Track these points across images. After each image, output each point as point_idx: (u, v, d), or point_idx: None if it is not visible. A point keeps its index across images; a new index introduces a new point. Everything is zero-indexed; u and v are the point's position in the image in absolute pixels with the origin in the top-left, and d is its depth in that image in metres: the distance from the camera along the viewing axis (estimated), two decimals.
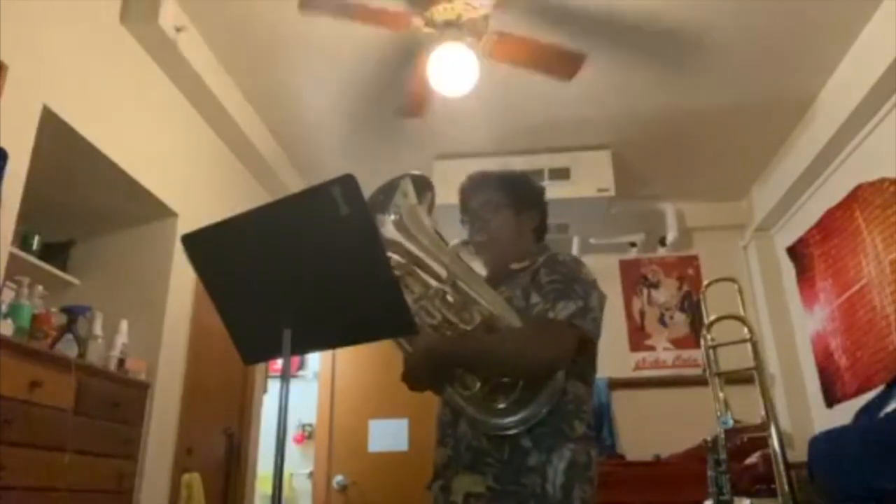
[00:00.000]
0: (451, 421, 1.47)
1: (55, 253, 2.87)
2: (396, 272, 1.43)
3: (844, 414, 3.32)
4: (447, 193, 1.79)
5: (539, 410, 1.36)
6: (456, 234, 1.66)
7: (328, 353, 4.81)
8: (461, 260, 1.52)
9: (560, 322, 1.39)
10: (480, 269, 1.64)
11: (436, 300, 1.44)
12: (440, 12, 2.71)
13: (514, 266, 1.58)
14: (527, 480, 1.35)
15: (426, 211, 1.52)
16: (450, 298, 1.45)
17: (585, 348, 1.45)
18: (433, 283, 1.46)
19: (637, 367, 4.49)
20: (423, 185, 1.52)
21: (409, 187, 1.49)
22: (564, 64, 2.88)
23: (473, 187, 1.68)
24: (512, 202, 1.63)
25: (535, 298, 1.45)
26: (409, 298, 1.42)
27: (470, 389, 1.41)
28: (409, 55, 3.04)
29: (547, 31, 2.89)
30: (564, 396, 1.42)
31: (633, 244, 4.75)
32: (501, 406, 1.38)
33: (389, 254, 1.42)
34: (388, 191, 1.47)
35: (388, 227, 1.46)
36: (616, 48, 3.08)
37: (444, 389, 1.44)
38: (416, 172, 1.51)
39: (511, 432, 1.37)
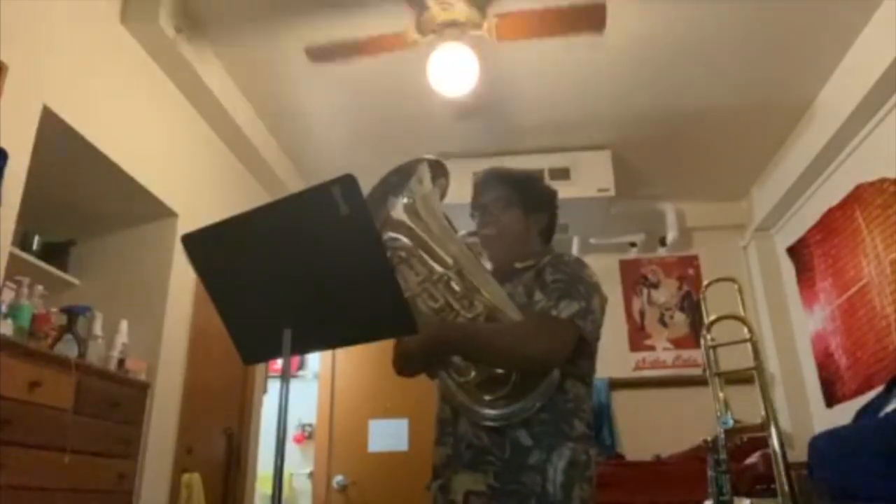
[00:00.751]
0: (451, 419, 1.47)
1: (55, 253, 2.87)
2: (402, 254, 1.44)
3: (844, 414, 3.32)
4: (448, 193, 1.78)
5: (532, 405, 1.36)
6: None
7: (328, 353, 4.81)
8: (469, 250, 1.52)
9: (562, 320, 1.40)
10: (486, 263, 1.64)
11: (439, 285, 1.44)
12: (435, 14, 2.71)
13: (519, 265, 1.59)
14: (527, 479, 1.35)
15: (439, 197, 1.52)
16: (454, 285, 1.44)
17: (583, 349, 1.45)
18: (438, 268, 1.46)
19: (637, 367, 4.49)
20: (439, 171, 1.52)
21: (425, 173, 1.48)
22: (586, 18, 2.74)
23: (487, 182, 1.69)
24: (522, 201, 1.65)
25: (538, 296, 1.46)
26: (413, 280, 1.44)
27: (465, 377, 1.41)
28: (409, 54, 3.03)
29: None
30: (564, 395, 1.42)
31: (633, 244, 4.75)
32: (494, 397, 1.38)
33: (397, 235, 1.43)
34: (404, 173, 1.46)
35: (398, 210, 1.46)
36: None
37: (437, 374, 1.44)
38: (433, 157, 1.51)
39: (500, 424, 1.37)
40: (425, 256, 1.46)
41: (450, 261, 1.45)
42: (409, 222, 1.46)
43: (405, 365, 1.49)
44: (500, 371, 1.40)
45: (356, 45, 2.76)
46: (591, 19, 2.73)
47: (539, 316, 1.42)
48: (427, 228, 1.47)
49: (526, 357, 1.38)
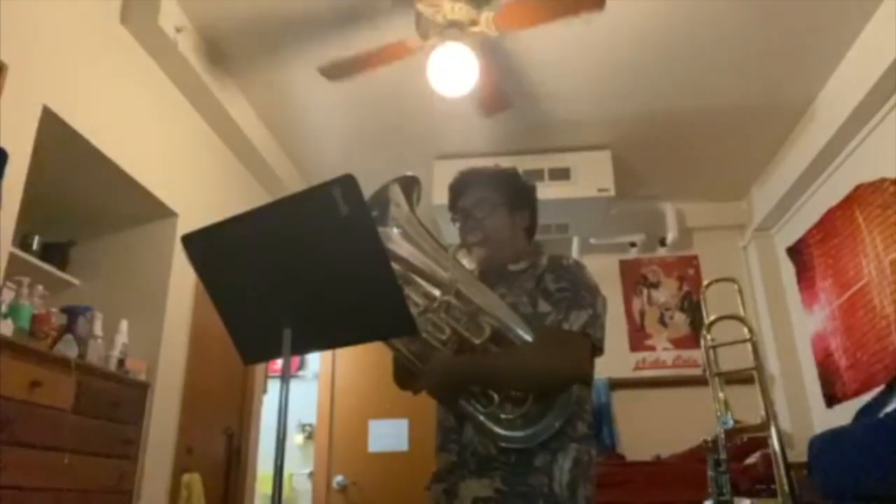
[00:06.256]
0: (456, 427, 1.46)
1: (55, 253, 2.87)
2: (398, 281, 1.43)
3: (844, 414, 3.32)
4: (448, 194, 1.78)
5: (552, 424, 1.36)
6: (455, 232, 1.65)
7: (328, 353, 4.81)
8: (460, 263, 1.51)
9: (577, 334, 1.40)
10: (471, 265, 1.63)
11: (441, 312, 1.43)
12: (432, 19, 2.70)
13: (512, 267, 1.57)
14: (534, 481, 1.35)
15: (416, 213, 1.51)
16: (455, 309, 1.43)
17: (594, 354, 1.46)
18: (436, 292, 1.45)
19: (637, 367, 4.49)
20: (410, 185, 1.51)
21: (399, 195, 1.47)
22: None
23: (466, 185, 1.63)
24: (506, 201, 1.60)
25: (543, 306, 1.44)
26: (413, 311, 1.41)
27: (489, 407, 1.39)
28: (409, 54, 3.04)
29: None
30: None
31: (633, 244, 4.75)
32: (515, 418, 1.37)
33: (394, 265, 1.42)
34: (381, 203, 1.45)
35: (394, 241, 1.45)
36: None
37: (457, 403, 1.42)
38: (403, 175, 1.50)
39: (524, 446, 1.36)
40: (420, 281, 1.46)
41: (446, 276, 1.45)
42: (403, 249, 1.46)
43: (432, 396, 1.48)
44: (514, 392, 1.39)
45: (366, 58, 2.80)
46: None
47: (552, 333, 1.41)
48: (420, 249, 1.47)
49: (550, 378, 1.38)
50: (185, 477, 2.92)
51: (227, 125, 3.41)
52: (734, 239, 4.71)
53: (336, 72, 2.91)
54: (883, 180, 3.18)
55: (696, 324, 4.31)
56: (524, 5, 2.67)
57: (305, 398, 4.79)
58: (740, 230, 4.69)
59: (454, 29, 2.72)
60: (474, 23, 2.72)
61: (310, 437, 5.17)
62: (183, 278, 3.03)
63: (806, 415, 4.01)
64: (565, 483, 1.35)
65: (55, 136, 2.34)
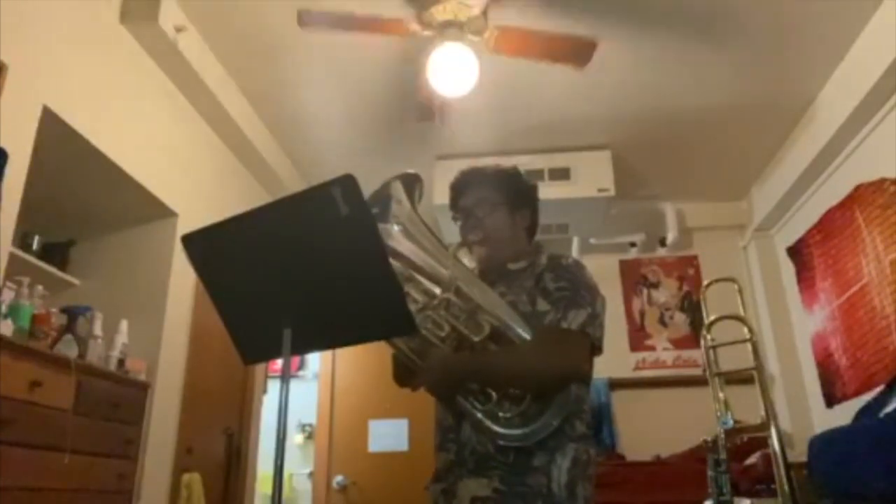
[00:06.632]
0: (454, 426, 1.46)
1: (55, 253, 2.87)
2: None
3: (844, 414, 3.32)
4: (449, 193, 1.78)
5: (550, 422, 1.36)
6: (456, 231, 1.65)
7: (328, 353, 4.82)
8: (461, 262, 1.51)
9: (574, 332, 1.40)
10: (471, 264, 1.63)
11: (440, 309, 1.44)
12: (438, 12, 2.71)
13: (512, 266, 1.57)
14: (532, 481, 1.35)
15: (418, 209, 1.51)
16: (455, 307, 1.43)
17: (593, 354, 1.46)
18: (436, 290, 1.45)
19: (637, 367, 4.49)
20: (412, 182, 1.51)
21: (400, 192, 1.48)
22: (576, 52, 2.82)
23: (467, 184, 1.64)
24: (507, 200, 1.61)
25: (542, 305, 1.45)
26: (412, 308, 1.41)
27: (487, 405, 1.39)
28: (409, 54, 3.04)
29: (553, 22, 2.85)
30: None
31: (633, 244, 4.75)
32: (513, 417, 1.37)
33: (394, 262, 1.42)
34: (382, 200, 1.46)
35: (395, 238, 1.45)
36: (624, 34, 3.04)
37: (455, 400, 1.43)
38: (403, 173, 1.50)
39: (522, 444, 1.36)
40: (420, 278, 1.46)
41: (446, 273, 1.45)
42: (404, 247, 1.46)
43: (432, 394, 1.49)
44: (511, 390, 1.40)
45: (352, 19, 2.71)
46: (579, 54, 2.83)
47: (551, 331, 1.41)
48: (421, 246, 1.47)
49: (548, 376, 1.38)
50: (185, 477, 2.92)
51: (227, 125, 3.41)
52: (734, 239, 4.72)
53: (313, 19, 2.72)
54: (883, 180, 3.18)
55: (696, 324, 4.31)
56: (523, 37, 2.75)
57: (305, 398, 4.79)
58: (740, 230, 4.69)
59: (454, 28, 2.73)
60: (478, 33, 2.75)
61: (310, 437, 5.17)
62: (183, 278, 3.03)
63: (806, 415, 4.01)
64: (564, 483, 1.35)
65: (55, 136, 2.34)
